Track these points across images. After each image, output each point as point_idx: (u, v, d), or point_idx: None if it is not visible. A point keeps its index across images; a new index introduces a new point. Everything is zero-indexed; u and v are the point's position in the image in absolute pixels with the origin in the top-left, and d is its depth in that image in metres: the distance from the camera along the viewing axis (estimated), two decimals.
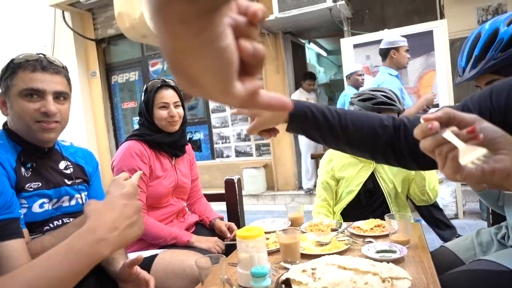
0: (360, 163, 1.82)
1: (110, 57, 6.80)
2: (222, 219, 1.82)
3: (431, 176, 1.78)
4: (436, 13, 4.61)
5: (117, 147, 6.91)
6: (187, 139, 1.83)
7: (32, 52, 1.17)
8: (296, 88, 5.64)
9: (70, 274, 0.70)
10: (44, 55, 1.16)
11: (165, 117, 1.63)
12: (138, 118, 1.75)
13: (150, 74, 6.45)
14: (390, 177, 1.80)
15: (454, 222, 3.79)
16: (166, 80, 1.68)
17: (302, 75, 5.52)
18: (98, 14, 6.51)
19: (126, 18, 4.87)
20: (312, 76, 5.43)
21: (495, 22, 1.07)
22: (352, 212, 1.79)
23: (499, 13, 4.27)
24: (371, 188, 1.80)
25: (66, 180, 1.24)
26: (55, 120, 1.14)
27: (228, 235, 1.69)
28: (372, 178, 1.80)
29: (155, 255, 1.39)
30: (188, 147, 1.83)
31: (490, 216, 1.50)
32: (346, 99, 3.84)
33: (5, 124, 1.18)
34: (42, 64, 1.12)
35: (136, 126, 1.76)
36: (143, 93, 1.67)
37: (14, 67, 1.11)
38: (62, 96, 1.16)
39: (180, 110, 1.68)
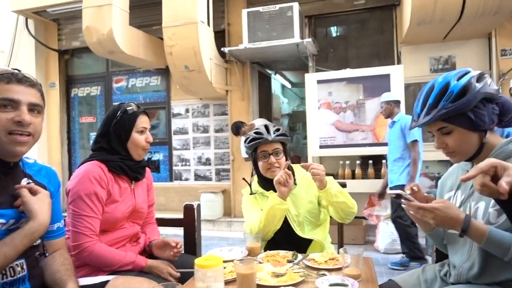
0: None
1: (73, 69, 6.61)
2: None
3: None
4: (394, 58, 4.96)
5: (70, 162, 6.65)
6: (146, 159, 1.80)
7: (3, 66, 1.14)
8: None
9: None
10: (18, 70, 1.14)
11: (142, 145, 1.64)
12: (96, 139, 1.65)
13: (113, 90, 6.29)
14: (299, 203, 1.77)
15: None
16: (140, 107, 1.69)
17: None
18: (64, 25, 6.37)
19: (94, 33, 4.80)
20: None
21: (447, 77, 1.20)
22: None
23: (448, 64, 4.68)
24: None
25: None
26: (28, 132, 1.11)
27: (173, 244, 1.56)
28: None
29: (106, 282, 1.33)
30: (148, 171, 1.79)
31: (435, 254, 1.59)
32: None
33: None
34: (17, 77, 1.11)
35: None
36: (119, 114, 1.61)
37: None
38: (36, 109, 1.15)
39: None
